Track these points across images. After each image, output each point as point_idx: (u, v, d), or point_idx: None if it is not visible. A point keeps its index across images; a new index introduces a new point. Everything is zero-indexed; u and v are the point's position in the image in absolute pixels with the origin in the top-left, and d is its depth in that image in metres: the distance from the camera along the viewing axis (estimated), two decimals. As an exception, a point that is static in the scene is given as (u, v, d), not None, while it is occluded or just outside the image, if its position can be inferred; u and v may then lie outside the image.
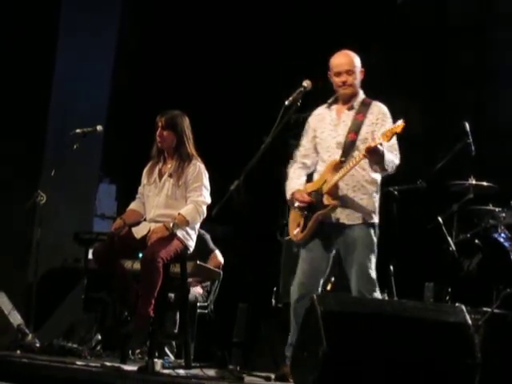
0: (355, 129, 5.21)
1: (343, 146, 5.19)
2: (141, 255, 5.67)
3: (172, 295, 6.31)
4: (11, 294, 6.75)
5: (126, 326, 5.71)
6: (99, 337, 6.65)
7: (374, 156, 5.02)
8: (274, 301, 7.05)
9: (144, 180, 5.92)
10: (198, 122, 5.94)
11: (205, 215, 5.72)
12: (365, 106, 5.26)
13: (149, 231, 5.67)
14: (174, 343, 6.83)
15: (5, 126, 8.02)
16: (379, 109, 5.28)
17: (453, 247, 6.29)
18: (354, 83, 5.26)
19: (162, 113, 5.84)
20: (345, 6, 8.10)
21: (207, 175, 5.76)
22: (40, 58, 8.08)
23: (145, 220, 5.81)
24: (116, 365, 5.38)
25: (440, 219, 6.39)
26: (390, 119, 5.24)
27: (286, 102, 5.10)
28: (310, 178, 5.44)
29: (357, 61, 5.29)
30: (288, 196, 5.35)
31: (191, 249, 5.77)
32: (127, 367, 5.33)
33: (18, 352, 6.03)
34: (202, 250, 6.73)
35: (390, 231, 5.84)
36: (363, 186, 5.21)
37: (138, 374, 5.04)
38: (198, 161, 5.78)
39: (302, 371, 4.41)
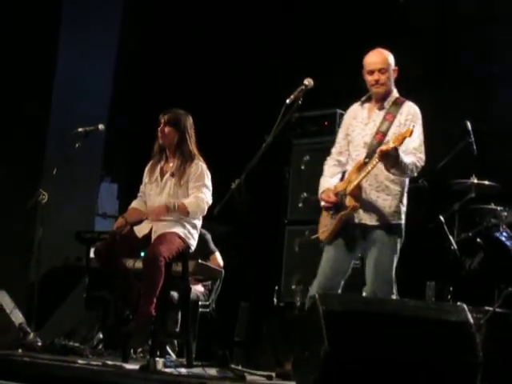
0: (383, 129, 5.11)
1: (369, 146, 5.11)
2: (143, 254, 5.67)
3: (174, 294, 6.31)
4: (13, 292, 6.75)
5: (128, 324, 5.69)
6: (101, 335, 6.66)
7: (388, 160, 4.93)
8: (275, 300, 7.03)
9: (145, 178, 5.91)
10: (199, 120, 5.93)
11: (204, 214, 5.71)
12: (396, 105, 5.16)
13: (151, 230, 5.67)
14: (175, 342, 6.82)
15: (6, 125, 8.03)
16: (409, 109, 5.16)
17: (454, 246, 6.28)
18: (387, 82, 5.16)
19: (166, 110, 5.84)
20: (345, 6, 8.09)
21: (209, 175, 5.74)
22: (41, 57, 8.10)
23: (146, 219, 5.80)
24: (118, 363, 5.38)
25: (442, 218, 6.37)
26: (420, 120, 5.15)
27: (288, 101, 5.07)
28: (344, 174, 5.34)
29: (390, 59, 5.19)
30: (319, 195, 5.28)
31: (193, 248, 5.76)
32: (129, 366, 5.32)
33: (20, 351, 6.03)
34: (203, 249, 6.71)
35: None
36: (387, 187, 5.11)
37: (139, 373, 5.03)
38: (200, 160, 5.76)
39: (303, 370, 4.41)
